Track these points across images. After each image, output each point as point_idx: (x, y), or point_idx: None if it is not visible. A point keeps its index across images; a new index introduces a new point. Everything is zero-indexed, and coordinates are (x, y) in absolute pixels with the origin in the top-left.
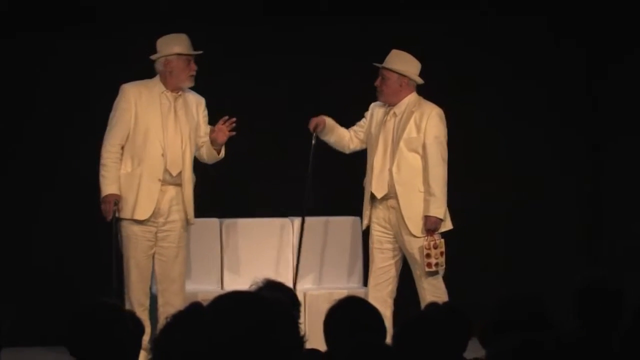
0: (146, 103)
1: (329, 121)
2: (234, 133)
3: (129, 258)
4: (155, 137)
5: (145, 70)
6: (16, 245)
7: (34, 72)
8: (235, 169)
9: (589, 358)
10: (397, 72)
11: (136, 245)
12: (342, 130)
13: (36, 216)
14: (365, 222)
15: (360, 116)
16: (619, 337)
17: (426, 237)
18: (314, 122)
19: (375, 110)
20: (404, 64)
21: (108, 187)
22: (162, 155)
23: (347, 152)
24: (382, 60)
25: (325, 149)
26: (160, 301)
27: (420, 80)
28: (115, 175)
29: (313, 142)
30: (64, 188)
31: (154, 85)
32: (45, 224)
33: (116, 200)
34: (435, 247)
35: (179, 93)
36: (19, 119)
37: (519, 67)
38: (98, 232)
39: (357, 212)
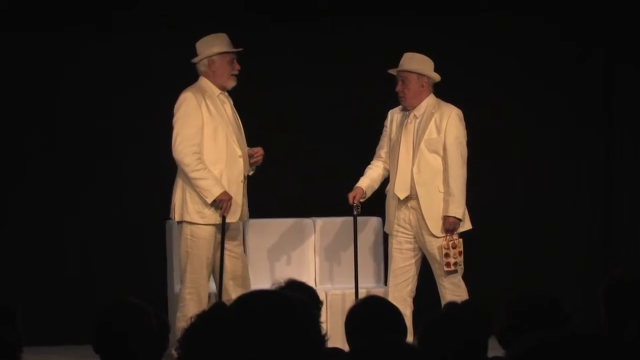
0: (212, 106)
1: (365, 185)
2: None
3: (201, 257)
4: (231, 139)
5: (152, 68)
6: (45, 247)
7: (53, 73)
8: (258, 170)
9: (608, 355)
10: (416, 73)
11: (209, 246)
12: (376, 176)
13: (67, 216)
14: (388, 229)
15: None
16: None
17: (445, 237)
18: (351, 196)
19: (395, 116)
20: (420, 63)
21: (216, 187)
22: (240, 156)
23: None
24: (394, 65)
25: (349, 149)
26: (225, 298)
27: (437, 77)
28: (214, 175)
29: (355, 212)
30: (103, 185)
31: (209, 88)
32: (78, 224)
33: (229, 197)
34: (454, 247)
35: (226, 94)
36: (49, 112)
37: (534, 69)
38: (129, 232)
39: (379, 212)
